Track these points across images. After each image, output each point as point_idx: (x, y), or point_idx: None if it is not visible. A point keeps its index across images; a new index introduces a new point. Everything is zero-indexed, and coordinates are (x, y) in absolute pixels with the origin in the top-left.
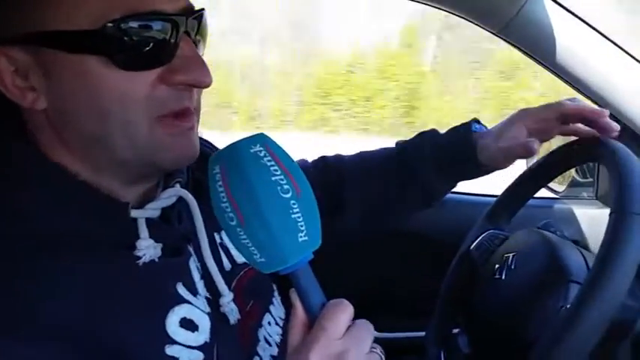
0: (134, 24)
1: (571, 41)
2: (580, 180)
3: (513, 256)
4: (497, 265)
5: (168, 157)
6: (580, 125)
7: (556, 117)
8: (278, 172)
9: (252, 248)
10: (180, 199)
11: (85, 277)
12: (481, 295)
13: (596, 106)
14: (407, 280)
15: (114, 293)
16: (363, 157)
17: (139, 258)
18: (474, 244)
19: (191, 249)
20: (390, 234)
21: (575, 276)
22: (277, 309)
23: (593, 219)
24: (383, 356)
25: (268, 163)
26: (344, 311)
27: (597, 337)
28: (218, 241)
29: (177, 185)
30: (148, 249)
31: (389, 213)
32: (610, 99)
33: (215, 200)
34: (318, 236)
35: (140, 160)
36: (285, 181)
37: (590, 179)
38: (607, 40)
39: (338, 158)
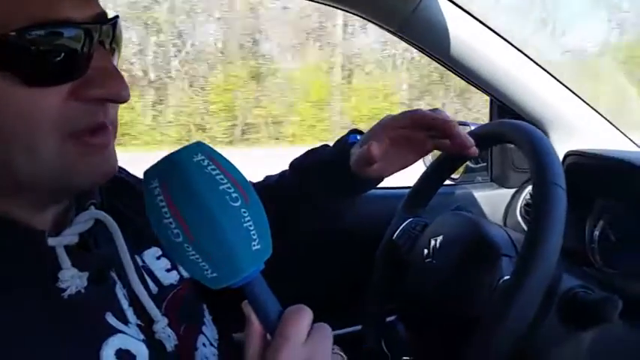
0: (41, 32)
1: (464, 37)
2: (473, 166)
3: (440, 239)
4: (425, 250)
5: (82, 178)
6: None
7: (410, 124)
8: (225, 181)
9: (203, 264)
10: (97, 222)
11: None
12: (414, 280)
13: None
14: (336, 278)
15: (36, 335)
16: (270, 178)
17: (64, 290)
18: (396, 233)
19: (114, 275)
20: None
21: (504, 249)
22: (210, 329)
23: (490, 199)
24: (344, 356)
25: (213, 172)
26: (304, 317)
27: (537, 305)
28: (140, 264)
29: (92, 207)
30: (72, 279)
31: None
32: (500, 89)
33: (155, 217)
34: (270, 244)
35: (51, 183)
36: (232, 190)
37: (484, 164)
38: (496, 35)
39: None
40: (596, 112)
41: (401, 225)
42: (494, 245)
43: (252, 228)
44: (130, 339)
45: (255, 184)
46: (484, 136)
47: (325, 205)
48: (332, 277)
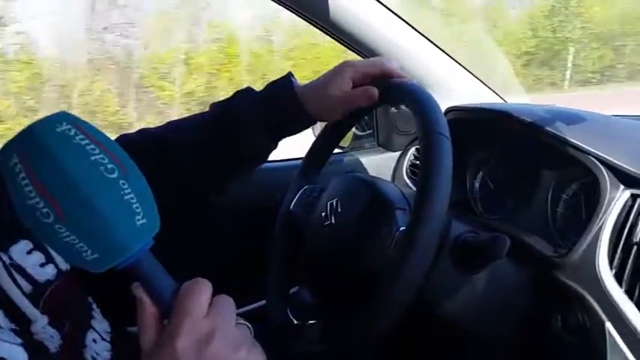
0: None
1: (341, 1)
2: (360, 134)
3: (337, 200)
4: (323, 213)
5: None
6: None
7: (379, 73)
8: (96, 151)
9: (80, 245)
10: None
11: None
12: (315, 244)
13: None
14: (236, 255)
15: None
16: (172, 129)
17: None
18: (294, 202)
19: None
20: (208, 209)
21: (398, 203)
22: (100, 323)
23: (378, 163)
24: (251, 327)
25: (82, 142)
26: (203, 290)
27: (433, 251)
28: (7, 261)
29: None
30: None
31: (207, 186)
32: (379, 54)
33: (19, 199)
34: (157, 218)
35: None
36: (107, 160)
37: (370, 131)
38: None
39: (142, 133)
40: (471, 73)
41: (297, 194)
42: (388, 200)
43: (134, 201)
44: (4, 345)
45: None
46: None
47: (260, 147)
48: (232, 254)
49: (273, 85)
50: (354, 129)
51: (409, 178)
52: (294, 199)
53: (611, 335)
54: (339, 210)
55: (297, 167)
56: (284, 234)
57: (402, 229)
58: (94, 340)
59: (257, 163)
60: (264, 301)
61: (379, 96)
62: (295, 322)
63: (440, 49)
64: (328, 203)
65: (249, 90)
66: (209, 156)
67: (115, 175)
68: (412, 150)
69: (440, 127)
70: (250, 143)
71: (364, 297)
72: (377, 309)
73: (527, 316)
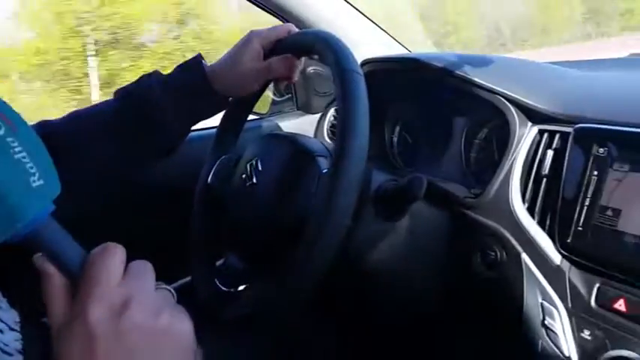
0: None
1: None
2: (278, 99)
3: (257, 159)
4: (244, 176)
5: None
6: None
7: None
8: None
9: None
10: None
11: None
12: (239, 208)
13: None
14: (158, 232)
15: None
16: (75, 118)
17: None
18: (211, 175)
19: None
20: (126, 189)
21: (318, 151)
22: (7, 312)
23: (299, 126)
24: (173, 291)
25: None
26: (114, 254)
27: (357, 191)
28: None
29: None
30: None
31: (119, 171)
32: (287, 9)
33: None
34: (56, 180)
35: None
36: None
37: (288, 95)
38: None
39: (42, 125)
40: (379, 27)
41: (213, 166)
42: (309, 149)
43: (26, 160)
44: None
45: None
46: (287, 50)
47: (173, 130)
48: (153, 232)
49: (180, 68)
50: (271, 94)
51: (330, 138)
52: (211, 172)
53: (527, 265)
54: (260, 168)
55: (211, 137)
56: (204, 208)
57: (325, 171)
58: (1, 331)
59: (171, 148)
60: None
61: (288, 48)
62: (225, 290)
63: (347, 2)
64: (248, 164)
65: (155, 74)
66: (118, 142)
67: (1, 132)
68: (332, 111)
69: (353, 65)
70: (160, 130)
71: (293, 247)
72: (307, 254)
73: (449, 257)
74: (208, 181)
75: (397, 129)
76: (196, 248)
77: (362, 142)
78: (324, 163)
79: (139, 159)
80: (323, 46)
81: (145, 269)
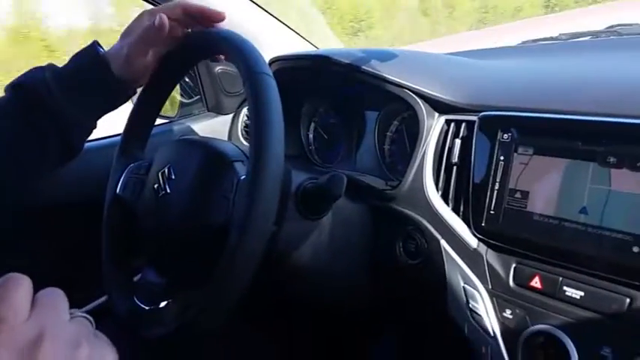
0: None
1: None
2: (187, 101)
3: (168, 167)
4: (156, 185)
5: None
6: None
7: (181, 14)
8: None
9: None
10: None
11: None
12: (153, 220)
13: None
14: (66, 249)
15: None
16: None
17: None
18: (120, 186)
19: None
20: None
21: (235, 157)
22: None
23: (211, 128)
24: (91, 319)
25: None
26: (18, 286)
27: (278, 192)
28: None
29: None
30: None
31: (14, 181)
32: None
33: None
34: None
35: None
36: None
37: (197, 97)
38: None
39: None
40: (286, 25)
41: (122, 175)
42: (224, 155)
43: None
44: None
45: None
46: (191, 49)
47: (75, 127)
48: (61, 251)
49: (75, 57)
50: (179, 97)
51: (245, 139)
52: (120, 182)
53: (446, 251)
54: (173, 177)
55: (115, 145)
56: (115, 221)
57: (242, 177)
58: None
59: (74, 149)
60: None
61: (194, 51)
62: (145, 307)
63: (252, 1)
64: (159, 173)
65: (49, 67)
66: (13, 149)
67: None
68: (244, 111)
69: (262, 67)
70: (56, 125)
71: (215, 258)
72: (230, 265)
73: (374, 249)
74: (117, 192)
75: (312, 126)
76: (109, 265)
77: (278, 146)
78: (241, 169)
79: (35, 164)
80: (228, 47)
81: (55, 298)
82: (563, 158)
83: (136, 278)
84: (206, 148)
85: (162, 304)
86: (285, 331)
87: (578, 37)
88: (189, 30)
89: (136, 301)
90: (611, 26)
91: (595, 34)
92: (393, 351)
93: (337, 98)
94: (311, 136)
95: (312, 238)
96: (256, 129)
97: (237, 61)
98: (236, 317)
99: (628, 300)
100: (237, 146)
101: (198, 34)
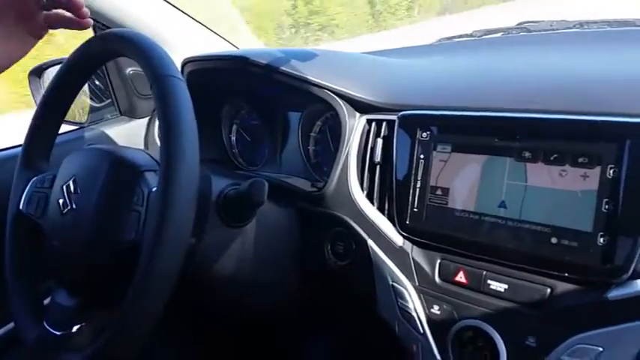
0: None
1: None
2: (98, 105)
3: (73, 180)
4: (61, 201)
5: None
6: (62, 12)
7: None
8: None
9: None
10: None
11: None
12: (59, 238)
13: None
14: None
15: None
16: None
17: None
18: (23, 201)
19: None
20: None
21: (146, 166)
22: None
23: (126, 133)
24: None
25: None
26: None
27: (194, 204)
28: None
29: None
30: None
31: None
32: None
33: None
34: None
35: None
36: None
37: (108, 101)
38: None
39: None
40: (202, 24)
41: (25, 190)
42: (133, 164)
43: None
44: None
45: None
46: (94, 51)
47: None
48: None
49: None
50: (89, 101)
51: None
52: (23, 197)
53: (373, 251)
54: (78, 191)
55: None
56: (19, 239)
57: (154, 188)
58: None
59: None
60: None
61: (96, 53)
62: (56, 333)
63: (166, 1)
64: (64, 187)
65: None
66: None
67: None
68: None
69: (169, 69)
70: None
71: (129, 277)
72: (144, 284)
73: (302, 253)
74: (20, 208)
75: (234, 128)
76: (15, 288)
77: (190, 153)
78: (153, 179)
79: None
80: (132, 49)
81: None
82: (480, 154)
83: (45, 301)
84: (113, 157)
85: (75, 328)
86: (210, 343)
87: (491, 34)
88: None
89: (46, 326)
90: (521, 23)
91: (506, 30)
92: (326, 353)
93: (259, 99)
94: (233, 138)
95: (235, 246)
96: (166, 136)
97: (143, 64)
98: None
99: (549, 290)
100: (149, 154)
101: (101, 36)
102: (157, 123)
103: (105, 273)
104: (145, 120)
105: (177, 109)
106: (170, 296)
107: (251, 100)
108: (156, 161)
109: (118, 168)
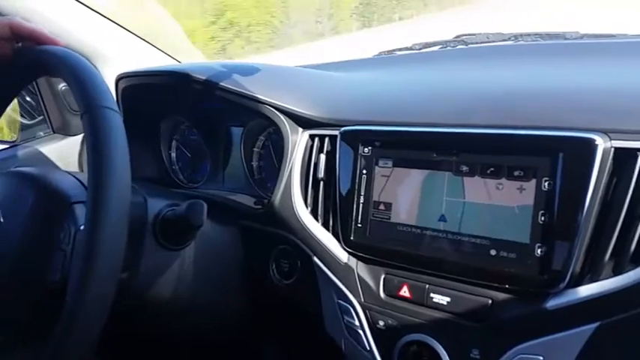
0: None
1: None
2: (30, 122)
3: None
4: None
5: None
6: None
7: (9, 34)
8: None
9: None
10: None
11: None
12: None
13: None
14: None
15: None
16: None
17: None
18: None
19: None
20: None
21: (75, 197)
22: None
23: (60, 151)
24: None
25: None
26: None
27: (123, 243)
28: None
29: None
30: None
31: None
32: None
33: None
34: None
35: None
36: None
37: (40, 117)
38: None
39: None
40: (141, 38)
41: None
42: (61, 195)
43: None
44: None
45: None
46: (22, 67)
47: None
48: None
49: None
50: (20, 118)
51: None
52: None
53: (319, 268)
54: (1, 220)
55: None
56: None
57: (81, 226)
58: None
59: None
60: None
61: (24, 69)
62: None
63: (95, 11)
64: None
65: None
66: None
67: None
68: None
69: (105, 100)
70: None
71: (50, 316)
72: (67, 331)
73: (247, 272)
74: None
75: (174, 144)
76: None
77: (121, 191)
78: (81, 214)
79: None
80: (63, 70)
81: None
82: (420, 169)
83: None
84: (41, 185)
85: None
86: None
87: (429, 47)
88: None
89: None
90: (458, 36)
91: (444, 43)
92: None
93: (199, 114)
94: (173, 155)
95: (174, 269)
96: (94, 173)
97: (74, 90)
98: None
99: (490, 301)
100: (79, 180)
101: (30, 51)
102: None
103: (28, 312)
104: (79, 137)
105: (108, 145)
106: (102, 334)
107: (191, 116)
108: (86, 189)
109: (45, 199)
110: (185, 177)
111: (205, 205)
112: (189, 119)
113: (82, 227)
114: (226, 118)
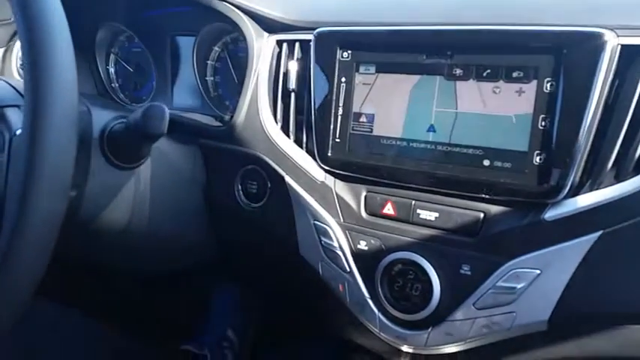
0: None
1: None
2: None
3: None
4: None
5: None
6: None
7: None
8: None
9: None
10: None
11: None
12: None
13: None
14: None
15: None
16: None
17: None
18: None
19: None
20: None
21: (8, 100)
22: None
23: None
24: None
25: None
26: None
27: (74, 149)
28: None
29: None
30: None
31: None
32: None
33: None
34: None
35: None
36: None
37: None
38: None
39: None
40: None
41: None
42: None
43: None
44: None
45: None
46: None
47: None
48: None
49: None
50: None
51: (22, 76)
52: None
53: (292, 188)
54: None
55: None
56: None
57: (18, 131)
58: None
59: None
60: None
61: None
62: None
63: None
64: None
65: None
66: None
67: None
68: (19, 43)
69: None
70: None
71: None
72: (11, 250)
73: (208, 197)
74: None
75: (112, 58)
76: None
77: (66, 78)
78: (16, 118)
79: None
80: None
81: None
82: (408, 74)
83: None
84: None
85: None
86: (118, 299)
87: None
88: None
89: None
90: None
91: None
92: (249, 301)
93: (140, 22)
94: (112, 70)
95: (128, 191)
96: (32, 62)
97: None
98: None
99: (482, 215)
100: (9, 83)
101: None
102: (14, 54)
103: None
104: (1, 51)
105: (47, 27)
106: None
107: (132, 24)
108: (18, 93)
109: None
110: (127, 96)
111: (167, 110)
112: (130, 27)
113: (17, 132)
114: (174, 24)
